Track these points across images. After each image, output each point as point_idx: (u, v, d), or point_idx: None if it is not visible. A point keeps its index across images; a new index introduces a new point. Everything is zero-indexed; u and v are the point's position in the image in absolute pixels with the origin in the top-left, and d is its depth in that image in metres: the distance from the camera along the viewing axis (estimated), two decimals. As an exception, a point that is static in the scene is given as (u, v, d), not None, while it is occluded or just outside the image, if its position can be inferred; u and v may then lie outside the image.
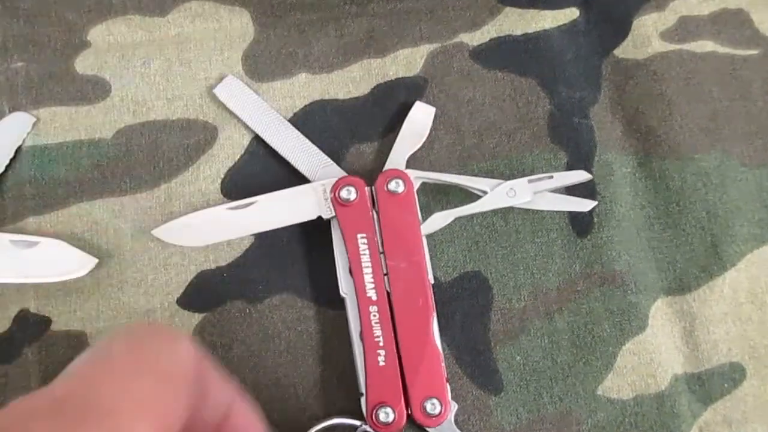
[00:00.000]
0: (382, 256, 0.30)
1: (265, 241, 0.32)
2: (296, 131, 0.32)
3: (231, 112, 0.33)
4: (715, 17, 0.36)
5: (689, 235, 0.34)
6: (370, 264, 0.30)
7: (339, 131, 0.34)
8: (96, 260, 0.31)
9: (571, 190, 0.33)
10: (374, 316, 0.30)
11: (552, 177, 0.32)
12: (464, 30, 0.35)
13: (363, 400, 0.29)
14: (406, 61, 0.34)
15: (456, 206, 0.32)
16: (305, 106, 0.34)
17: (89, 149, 0.33)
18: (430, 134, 0.33)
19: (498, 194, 0.31)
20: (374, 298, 0.30)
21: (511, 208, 0.33)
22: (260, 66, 0.34)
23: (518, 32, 0.35)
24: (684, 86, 0.35)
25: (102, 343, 0.20)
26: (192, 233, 0.31)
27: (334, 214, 0.31)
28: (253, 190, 0.32)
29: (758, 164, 0.35)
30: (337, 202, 0.30)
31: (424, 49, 0.34)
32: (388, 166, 0.32)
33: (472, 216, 0.33)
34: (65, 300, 0.32)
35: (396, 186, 0.30)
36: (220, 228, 0.31)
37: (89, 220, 0.32)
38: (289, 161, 0.32)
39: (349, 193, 0.30)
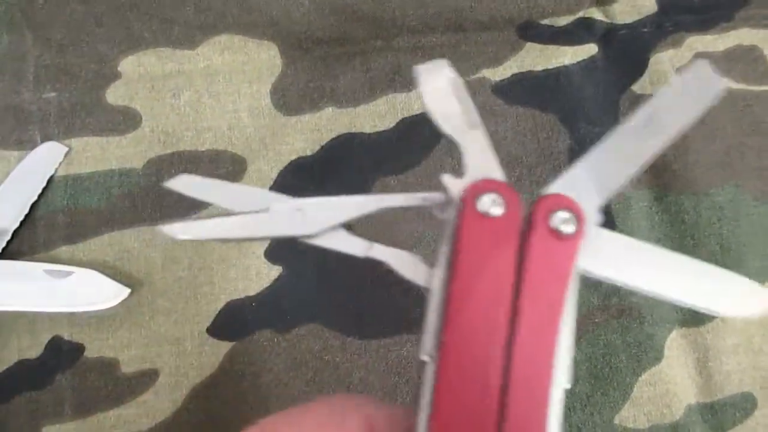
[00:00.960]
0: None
1: (293, 271, 0.33)
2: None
3: (259, 137, 0.34)
4: (729, 53, 0.37)
5: (703, 268, 0.35)
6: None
7: (365, 164, 0.34)
8: (128, 290, 0.32)
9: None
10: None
11: None
12: (487, 65, 0.36)
13: None
14: (431, 96, 0.35)
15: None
16: (332, 139, 0.34)
17: (120, 179, 0.34)
18: (453, 169, 0.34)
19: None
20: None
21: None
22: (288, 99, 0.35)
23: (539, 68, 0.36)
24: (699, 122, 0.36)
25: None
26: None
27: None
28: (282, 222, 0.33)
29: (770, 199, 0.36)
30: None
31: (448, 84, 0.35)
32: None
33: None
34: (98, 327, 0.32)
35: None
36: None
37: (121, 249, 0.33)
38: None
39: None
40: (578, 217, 0.18)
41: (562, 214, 0.18)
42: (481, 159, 0.20)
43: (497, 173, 0.19)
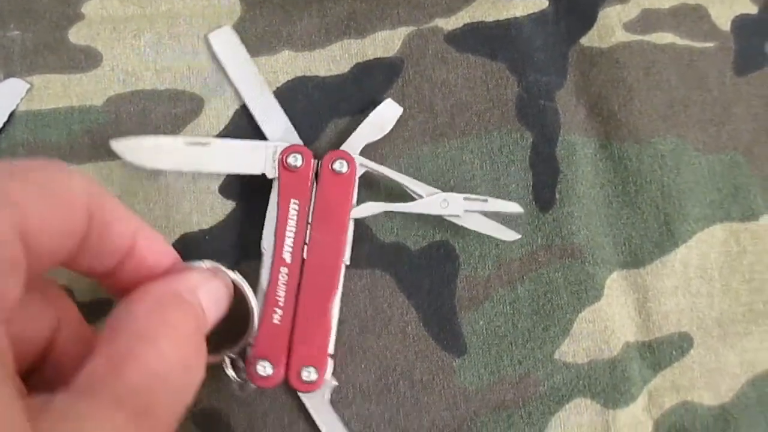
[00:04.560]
0: (308, 226, 0.32)
1: (245, 206, 0.34)
2: (271, 95, 0.35)
3: (217, 78, 0.35)
4: (675, 11, 0.38)
5: (644, 213, 0.36)
6: (294, 229, 0.32)
7: (319, 106, 0.36)
8: (84, 219, 0.33)
9: (535, 170, 0.36)
10: (283, 277, 0.31)
11: (486, 200, 0.33)
12: (440, 15, 0.37)
13: (248, 350, 0.31)
14: (384, 43, 0.36)
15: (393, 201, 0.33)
16: (288, 81, 0.35)
17: (80, 116, 0.35)
18: (404, 112, 0.35)
19: (431, 202, 0.33)
20: (288, 261, 0.31)
21: (477, 183, 0.35)
22: (246, 42, 0.36)
23: (490, 19, 0.37)
24: (644, 75, 0.37)
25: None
26: (148, 155, 0.32)
27: (277, 175, 0.32)
28: (235, 157, 0.34)
29: (711, 150, 0.37)
30: (283, 165, 0.32)
31: (402, 32, 0.36)
32: (343, 147, 0.33)
33: (442, 189, 0.35)
34: (54, 257, 0.33)
35: (340, 166, 0.32)
36: (174, 158, 0.33)
37: (79, 183, 0.34)
38: (255, 118, 0.34)
39: (295, 160, 0.32)
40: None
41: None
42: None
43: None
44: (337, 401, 0.33)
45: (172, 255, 0.28)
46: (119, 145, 0.33)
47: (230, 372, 0.31)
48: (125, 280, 0.26)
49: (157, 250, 0.27)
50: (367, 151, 0.34)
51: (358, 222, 0.34)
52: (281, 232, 0.32)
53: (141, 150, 0.33)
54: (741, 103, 0.38)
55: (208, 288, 0.27)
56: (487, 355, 0.34)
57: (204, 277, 0.27)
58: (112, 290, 0.27)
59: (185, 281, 0.26)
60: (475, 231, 0.34)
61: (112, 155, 0.34)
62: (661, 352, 0.35)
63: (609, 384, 0.34)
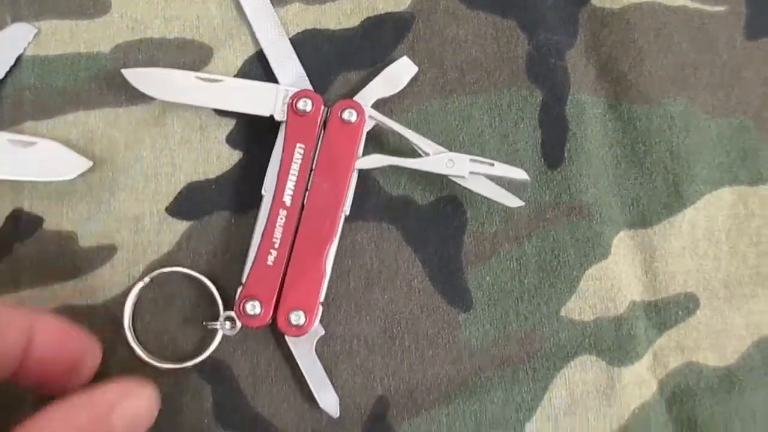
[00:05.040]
0: (311, 172, 0.32)
1: (252, 156, 0.34)
2: (288, 41, 0.34)
3: (227, 28, 0.35)
4: (687, -26, 0.38)
5: (653, 173, 0.36)
6: (297, 174, 0.32)
7: (328, 59, 0.35)
8: (90, 163, 0.32)
9: (544, 128, 0.35)
10: (281, 219, 0.31)
11: (493, 164, 0.32)
12: (452, -29, 0.37)
13: (239, 289, 0.31)
14: (396, -3, 0.36)
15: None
16: (298, 33, 0.35)
17: (88, 62, 0.34)
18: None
19: (437, 160, 0.32)
20: (288, 204, 0.31)
21: (486, 139, 0.35)
22: (256, -7, 0.35)
23: (502, -24, 0.37)
24: (655, 36, 0.37)
25: None
26: (157, 85, 0.33)
27: (285, 118, 0.32)
28: (244, 106, 0.34)
29: (720, 114, 0.37)
30: (292, 109, 0.32)
31: (413, -13, 0.36)
32: (356, 98, 0.33)
33: (450, 145, 0.35)
34: (58, 201, 0.33)
35: (349, 115, 0.32)
36: (183, 91, 0.33)
37: (85, 129, 0.34)
38: (270, 62, 0.34)
39: (305, 105, 0.32)
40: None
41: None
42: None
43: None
44: (341, 353, 0.33)
45: (77, 337, 0.27)
46: (130, 73, 0.33)
47: (221, 322, 0.31)
48: (36, 375, 0.25)
49: (59, 339, 0.26)
50: (377, 105, 0.34)
51: (366, 174, 0.34)
52: (284, 175, 0.32)
53: (151, 79, 0.33)
54: (751, 67, 0.38)
55: (126, 408, 0.24)
56: (492, 310, 0.34)
57: (121, 393, 0.24)
58: (27, 388, 0.26)
59: (97, 404, 0.23)
60: (482, 187, 0.34)
61: (119, 102, 0.34)
62: (667, 312, 0.35)
63: (614, 342, 0.34)
